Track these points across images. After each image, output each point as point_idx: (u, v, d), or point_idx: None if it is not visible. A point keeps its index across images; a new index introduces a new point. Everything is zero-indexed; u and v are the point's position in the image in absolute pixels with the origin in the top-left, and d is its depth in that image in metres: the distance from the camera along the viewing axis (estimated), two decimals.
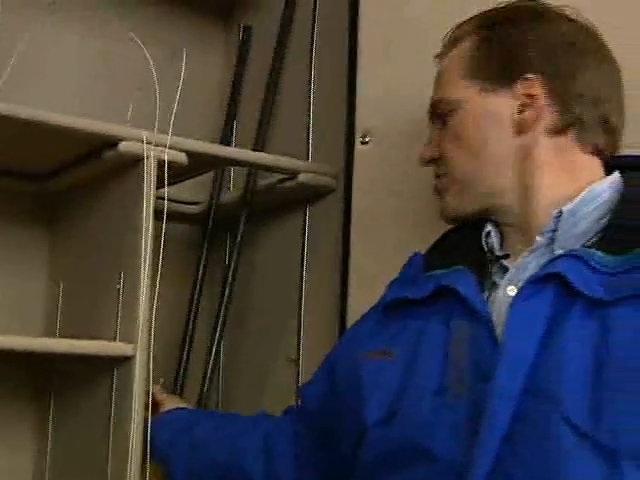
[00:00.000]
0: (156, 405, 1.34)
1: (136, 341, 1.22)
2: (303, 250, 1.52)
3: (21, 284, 1.56)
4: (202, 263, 1.63)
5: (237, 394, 1.66)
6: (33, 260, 1.57)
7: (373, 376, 0.95)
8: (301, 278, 1.52)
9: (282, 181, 1.49)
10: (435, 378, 0.89)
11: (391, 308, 1.01)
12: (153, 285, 1.24)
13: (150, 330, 1.23)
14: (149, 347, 1.22)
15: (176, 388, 1.56)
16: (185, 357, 1.57)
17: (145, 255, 1.23)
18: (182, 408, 1.33)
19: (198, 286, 1.62)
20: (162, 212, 1.24)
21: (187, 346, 1.59)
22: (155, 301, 1.24)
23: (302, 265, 1.52)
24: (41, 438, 1.51)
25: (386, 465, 0.90)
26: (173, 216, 1.58)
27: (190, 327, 1.60)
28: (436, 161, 1.03)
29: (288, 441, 1.14)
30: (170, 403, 1.34)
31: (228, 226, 1.64)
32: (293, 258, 1.53)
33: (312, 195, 1.49)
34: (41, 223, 1.59)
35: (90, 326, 1.36)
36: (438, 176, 1.04)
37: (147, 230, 1.24)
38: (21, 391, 1.55)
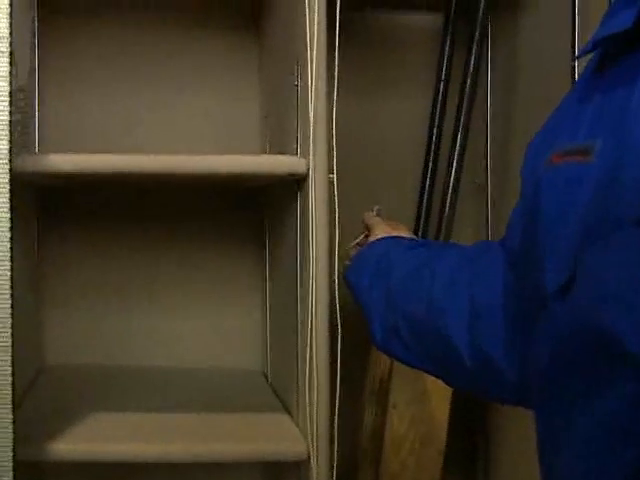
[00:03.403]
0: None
1: (307, 155, 0.97)
2: (574, 29, 1.12)
3: (234, 103, 1.38)
4: (445, 58, 1.32)
5: None
6: (245, 76, 1.37)
7: (556, 201, 0.56)
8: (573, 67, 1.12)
9: None
10: None
11: (591, 75, 0.62)
12: (330, 90, 0.97)
13: (330, 143, 0.96)
14: (330, 163, 0.97)
15: (418, 225, 1.32)
16: (430, 174, 1.30)
17: (313, 50, 0.95)
18: (393, 238, 1.04)
19: (441, 89, 1.32)
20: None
21: (431, 162, 1.31)
22: (333, 105, 0.96)
23: (573, 46, 1.12)
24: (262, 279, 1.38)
25: (560, 365, 0.54)
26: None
27: (434, 140, 1.31)
28: None
29: (498, 305, 0.79)
30: (380, 229, 1.06)
31: (471, 14, 1.29)
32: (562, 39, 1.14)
33: None
34: (249, 37, 1.38)
35: (283, 144, 1.14)
36: None
37: (312, 19, 0.95)
38: (241, 234, 1.41)
